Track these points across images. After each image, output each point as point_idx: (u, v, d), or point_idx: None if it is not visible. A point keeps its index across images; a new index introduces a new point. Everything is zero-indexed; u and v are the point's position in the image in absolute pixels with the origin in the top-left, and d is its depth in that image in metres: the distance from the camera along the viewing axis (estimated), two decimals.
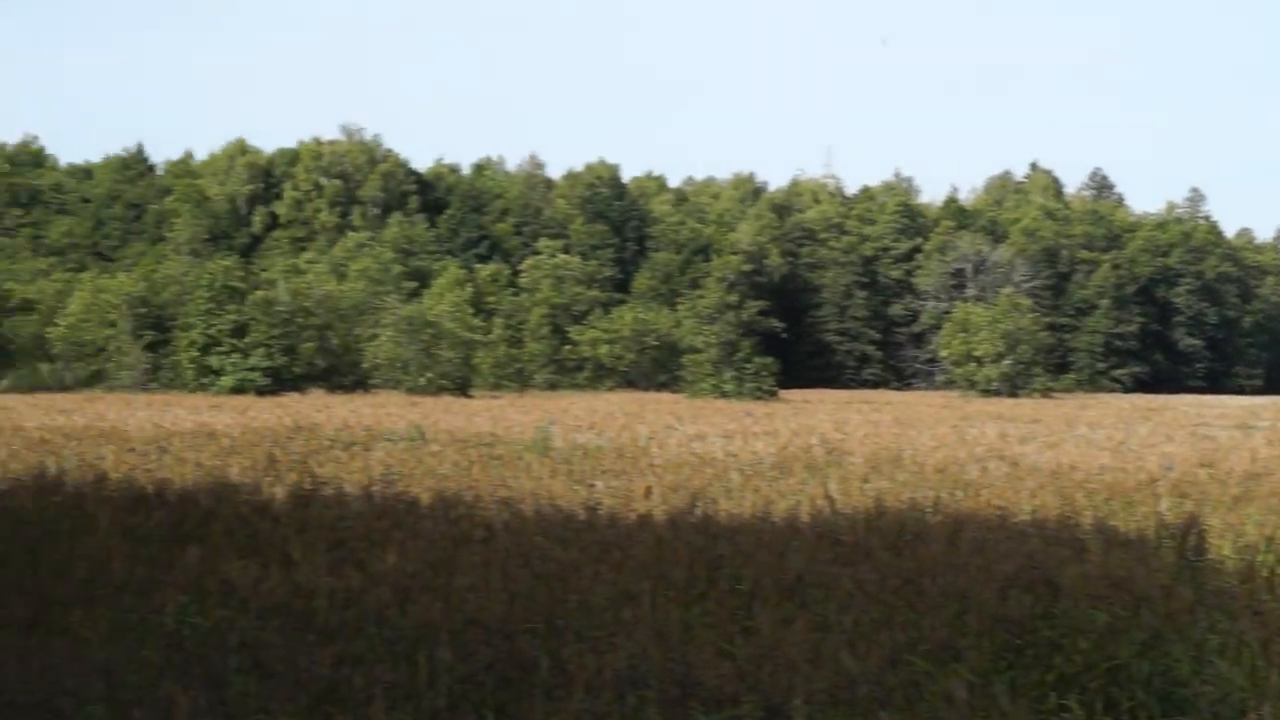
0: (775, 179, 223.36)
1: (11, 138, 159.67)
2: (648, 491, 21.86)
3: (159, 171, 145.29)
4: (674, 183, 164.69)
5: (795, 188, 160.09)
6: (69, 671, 10.41)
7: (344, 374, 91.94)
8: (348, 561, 14.83)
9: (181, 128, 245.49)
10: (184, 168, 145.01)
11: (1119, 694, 10.69)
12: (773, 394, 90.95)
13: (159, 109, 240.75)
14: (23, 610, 12.28)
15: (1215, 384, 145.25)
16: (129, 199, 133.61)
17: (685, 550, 15.38)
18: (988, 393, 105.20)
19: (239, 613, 12.38)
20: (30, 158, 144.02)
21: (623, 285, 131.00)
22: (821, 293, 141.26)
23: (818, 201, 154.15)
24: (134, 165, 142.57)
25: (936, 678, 10.77)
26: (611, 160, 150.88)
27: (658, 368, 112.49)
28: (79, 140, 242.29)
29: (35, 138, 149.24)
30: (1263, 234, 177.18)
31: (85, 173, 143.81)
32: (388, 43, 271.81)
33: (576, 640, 11.56)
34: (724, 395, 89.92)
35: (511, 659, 11.02)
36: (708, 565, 14.80)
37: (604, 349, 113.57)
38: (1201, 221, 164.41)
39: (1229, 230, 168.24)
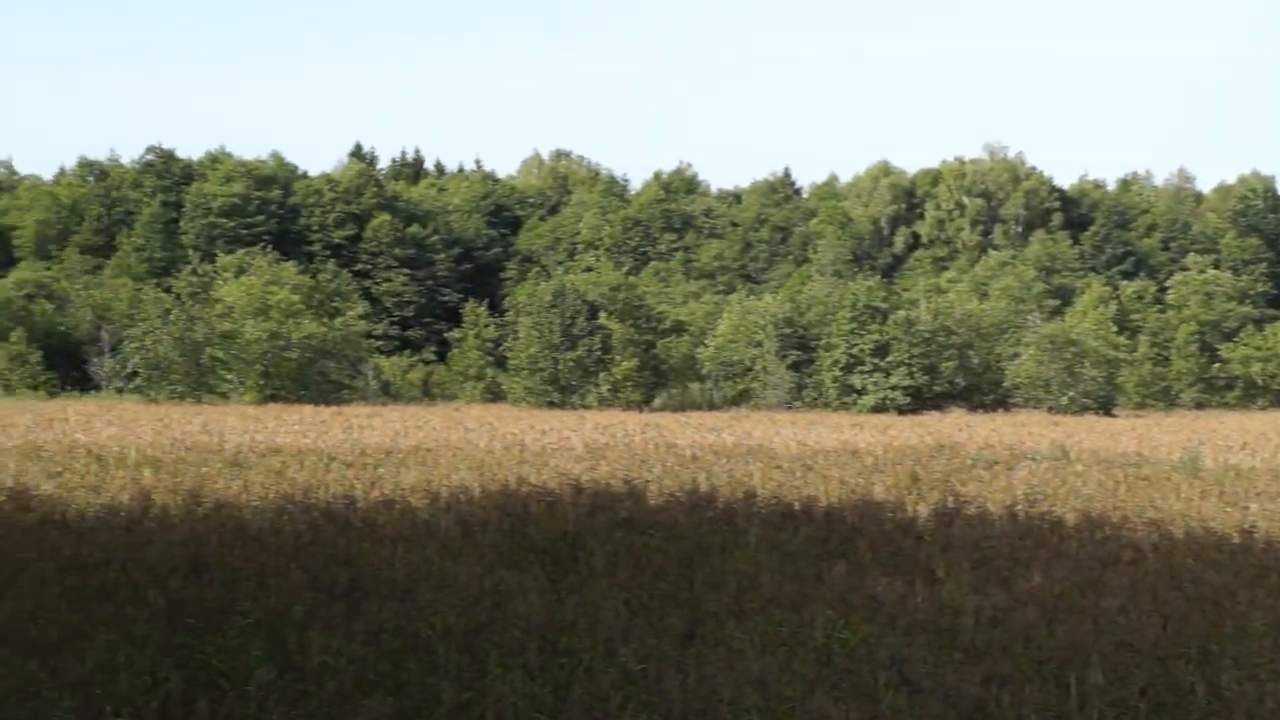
0: None
1: (668, 166, 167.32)
2: None
3: (804, 195, 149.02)
4: None
5: None
6: (725, 682, 10.74)
7: (984, 393, 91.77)
8: (992, 580, 14.81)
9: (827, 152, 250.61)
10: (829, 190, 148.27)
11: None
12: None
13: (807, 135, 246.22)
14: (680, 622, 12.74)
15: None
16: (775, 222, 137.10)
17: None
18: None
19: (886, 629, 12.50)
20: (683, 184, 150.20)
21: (1277, 301, 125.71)
22: None
23: None
24: (781, 189, 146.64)
25: None
26: (1266, 172, 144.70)
27: None
28: (730, 167, 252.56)
29: (689, 165, 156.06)
30: None
31: (735, 198, 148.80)
32: (1028, 62, 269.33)
33: (1234, 667, 11.18)
34: None
35: (1166, 684, 10.73)
36: None
37: (1256, 366, 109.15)
38: None
39: None
